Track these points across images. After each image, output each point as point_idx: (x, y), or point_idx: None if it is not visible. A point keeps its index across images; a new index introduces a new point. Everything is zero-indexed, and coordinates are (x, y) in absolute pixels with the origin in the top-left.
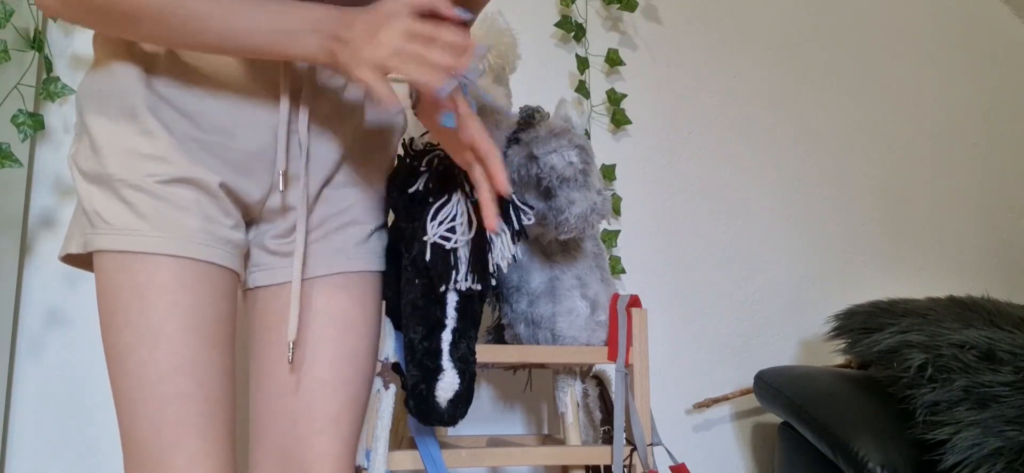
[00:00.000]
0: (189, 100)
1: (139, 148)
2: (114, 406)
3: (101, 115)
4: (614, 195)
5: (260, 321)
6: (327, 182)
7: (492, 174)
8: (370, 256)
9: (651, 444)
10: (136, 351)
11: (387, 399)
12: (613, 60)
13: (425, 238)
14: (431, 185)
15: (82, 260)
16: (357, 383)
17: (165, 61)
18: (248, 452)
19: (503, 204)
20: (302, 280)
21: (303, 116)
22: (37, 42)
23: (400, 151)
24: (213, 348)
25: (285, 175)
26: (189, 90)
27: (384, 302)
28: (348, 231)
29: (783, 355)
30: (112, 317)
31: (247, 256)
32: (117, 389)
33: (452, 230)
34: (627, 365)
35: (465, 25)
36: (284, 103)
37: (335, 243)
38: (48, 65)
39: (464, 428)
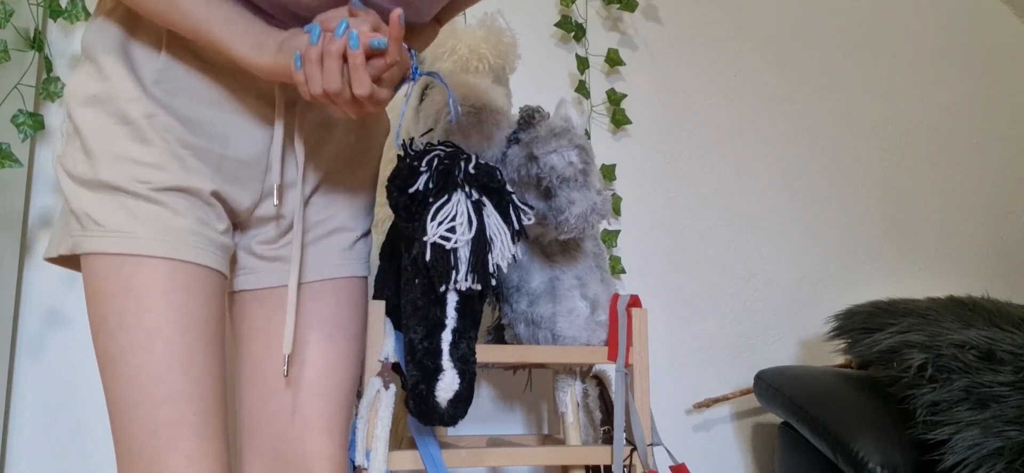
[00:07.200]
0: (185, 106)
1: (133, 154)
2: (107, 409)
3: (94, 118)
4: (614, 195)
5: (248, 324)
6: (315, 191)
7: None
8: (356, 262)
9: (651, 444)
10: (131, 353)
11: (387, 399)
12: (613, 60)
13: (425, 238)
14: (431, 185)
15: (71, 260)
16: (348, 386)
17: (161, 64)
18: (237, 452)
19: (503, 204)
20: (286, 286)
21: (299, 126)
22: (37, 42)
23: (400, 151)
24: (207, 349)
25: (280, 188)
26: (186, 96)
27: (384, 302)
28: (334, 238)
29: (783, 355)
30: (104, 320)
31: (233, 260)
32: (110, 391)
33: (452, 230)
34: (627, 365)
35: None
36: (280, 114)
37: (322, 250)
38: (48, 65)
39: (464, 428)
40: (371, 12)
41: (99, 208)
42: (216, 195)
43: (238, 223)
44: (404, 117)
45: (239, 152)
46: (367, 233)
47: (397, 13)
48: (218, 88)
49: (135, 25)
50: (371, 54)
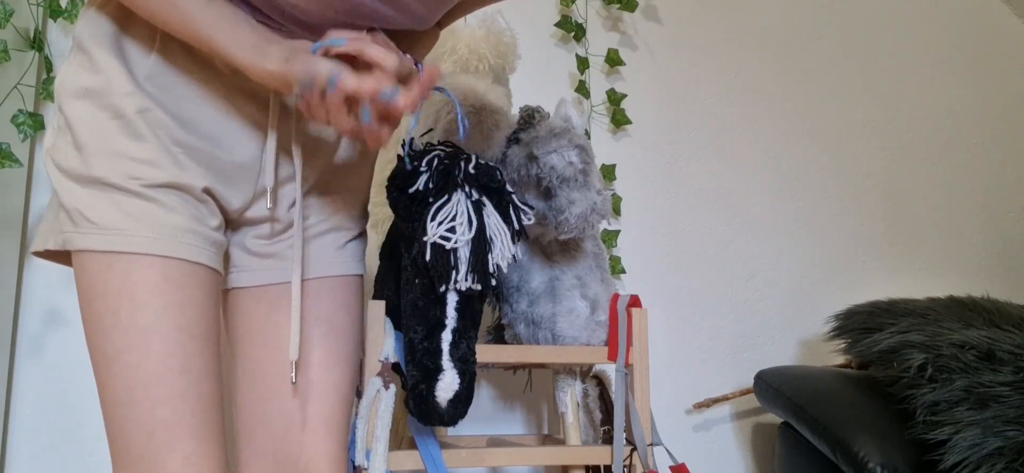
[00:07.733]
0: (178, 104)
1: (126, 150)
2: (101, 410)
3: (86, 112)
4: (614, 195)
5: (245, 324)
6: (310, 191)
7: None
8: (351, 260)
9: (651, 444)
10: (126, 353)
11: (387, 399)
12: (613, 60)
13: (425, 238)
14: (431, 185)
15: (60, 255)
16: (345, 385)
17: (154, 60)
18: (235, 452)
19: (503, 204)
20: (283, 283)
21: (297, 129)
22: (37, 42)
23: (400, 151)
24: (204, 348)
25: (274, 192)
26: (179, 93)
27: (384, 302)
28: (329, 237)
29: (783, 355)
30: (99, 318)
31: (226, 257)
32: (106, 392)
33: (452, 230)
34: (627, 365)
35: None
36: (274, 117)
37: (317, 248)
38: (48, 65)
39: (464, 428)
40: (379, 35)
41: (92, 204)
42: (208, 191)
43: (228, 222)
44: (414, 128)
45: (231, 155)
46: (362, 234)
47: (434, 69)
48: (211, 87)
49: (128, 20)
50: (385, 113)
